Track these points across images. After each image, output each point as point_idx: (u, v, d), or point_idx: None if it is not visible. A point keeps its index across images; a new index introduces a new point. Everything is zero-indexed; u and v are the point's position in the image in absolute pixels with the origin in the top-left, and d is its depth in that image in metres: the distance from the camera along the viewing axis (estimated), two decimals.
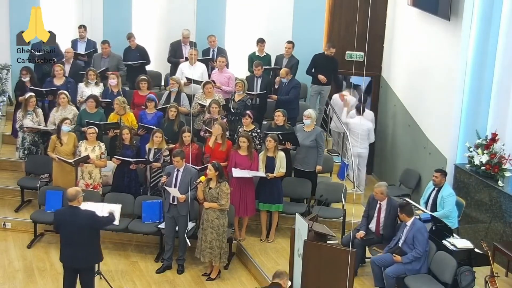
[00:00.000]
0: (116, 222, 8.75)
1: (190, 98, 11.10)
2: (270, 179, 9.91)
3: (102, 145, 10.22)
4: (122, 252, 10.08)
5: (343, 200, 10.11)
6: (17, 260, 9.75)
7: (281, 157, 10.00)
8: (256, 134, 10.45)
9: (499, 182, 9.85)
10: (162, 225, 9.70)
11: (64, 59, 12.16)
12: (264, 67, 11.91)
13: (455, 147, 10.60)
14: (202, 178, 9.17)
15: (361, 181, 12.20)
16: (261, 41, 12.68)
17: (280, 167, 9.97)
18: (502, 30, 10.12)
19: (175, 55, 13.03)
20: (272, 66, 12.70)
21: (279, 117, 10.48)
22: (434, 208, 9.49)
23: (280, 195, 10.15)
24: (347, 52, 13.71)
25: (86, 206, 8.23)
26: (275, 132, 10.16)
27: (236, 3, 13.92)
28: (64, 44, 12.56)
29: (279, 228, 10.49)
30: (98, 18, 13.47)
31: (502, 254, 9.37)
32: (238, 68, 12.92)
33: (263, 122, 11.71)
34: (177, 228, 9.46)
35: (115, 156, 10.06)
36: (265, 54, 12.73)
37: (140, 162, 10.06)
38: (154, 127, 10.35)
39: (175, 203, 9.33)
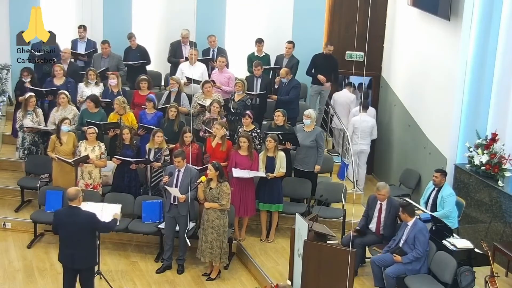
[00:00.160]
0: (116, 223, 8.75)
1: (190, 98, 11.11)
2: (270, 179, 9.91)
3: (102, 145, 10.22)
4: (122, 252, 10.08)
5: (343, 200, 10.11)
6: (17, 260, 9.75)
7: (281, 157, 10.00)
8: (256, 134, 10.45)
9: (499, 182, 9.85)
10: (162, 225, 9.70)
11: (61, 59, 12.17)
12: (263, 67, 11.91)
13: (455, 147, 10.60)
14: (203, 178, 9.17)
15: (360, 179, 12.18)
16: (259, 41, 12.68)
17: (280, 167, 9.97)
18: (502, 30, 10.11)
19: (175, 55, 13.03)
20: (272, 66, 12.70)
21: (279, 117, 10.48)
22: (434, 208, 9.49)
23: (280, 195, 10.15)
24: (347, 52, 13.71)
25: (86, 206, 8.21)
26: (275, 132, 10.17)
27: (236, 3, 13.92)
28: (64, 44, 12.55)
29: (279, 228, 10.50)
30: (98, 18, 13.46)
31: (502, 254, 9.37)
32: (238, 68, 12.92)
33: (263, 122, 11.71)
34: (177, 228, 9.46)
35: (115, 156, 10.06)
36: (264, 54, 12.73)
37: (140, 162, 10.06)
38: (154, 127, 10.35)
39: (176, 203, 9.33)
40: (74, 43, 12.87)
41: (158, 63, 13.55)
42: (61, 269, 8.14)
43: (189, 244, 9.36)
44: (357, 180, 11.85)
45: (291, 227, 8.87)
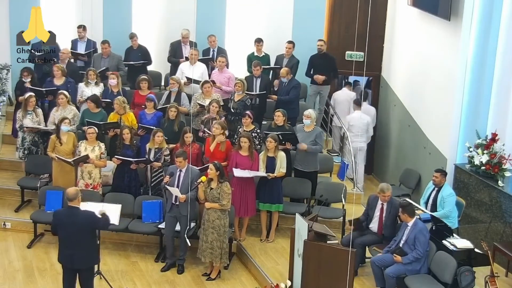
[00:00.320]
0: (116, 222, 8.77)
1: (190, 98, 11.11)
2: (270, 179, 9.91)
3: (102, 145, 10.22)
4: (122, 252, 10.08)
5: (343, 200, 10.10)
6: (17, 260, 9.75)
7: (281, 157, 9.99)
8: (256, 134, 10.45)
9: (499, 182, 9.85)
10: (162, 225, 9.70)
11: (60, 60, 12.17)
12: (263, 67, 11.91)
13: (455, 147, 10.60)
14: (203, 178, 9.17)
15: (359, 177, 12.17)
16: (258, 41, 12.68)
17: (281, 167, 9.97)
18: (502, 30, 10.11)
19: (175, 55, 13.03)
20: (272, 66, 12.70)
21: (279, 117, 10.47)
22: (434, 208, 9.49)
23: (280, 195, 10.15)
24: (347, 52, 13.71)
25: (86, 206, 8.22)
26: (276, 132, 10.16)
27: (236, 3, 13.92)
28: (64, 44, 12.55)
29: (279, 228, 10.49)
30: (98, 18, 13.47)
31: (502, 254, 9.37)
32: (238, 68, 12.92)
33: (263, 122, 11.71)
34: (177, 228, 9.46)
35: (116, 156, 10.06)
36: (264, 54, 12.73)
37: (140, 162, 10.07)
38: (154, 127, 10.34)
39: (177, 203, 9.33)
40: (74, 43, 12.88)
41: (158, 63, 13.55)
42: (61, 269, 8.13)
43: (189, 244, 9.35)
44: (354, 178, 11.85)
45: (291, 227, 8.87)
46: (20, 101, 11.22)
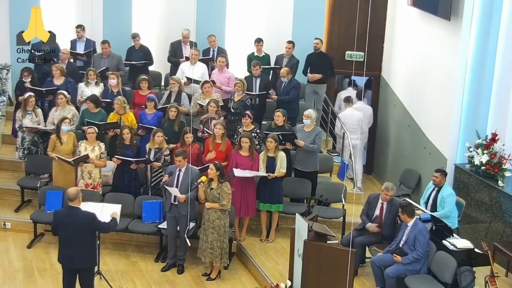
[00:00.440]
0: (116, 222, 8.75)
1: (191, 98, 11.11)
2: (270, 179, 9.91)
3: (102, 145, 10.22)
4: (122, 252, 10.08)
5: (343, 200, 10.11)
6: (17, 260, 9.75)
7: (281, 157, 9.99)
8: (255, 134, 10.45)
9: (499, 182, 9.85)
10: (162, 225, 9.70)
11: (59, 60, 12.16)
12: (263, 67, 11.90)
13: (455, 147, 10.60)
14: (203, 178, 9.17)
15: (358, 175, 12.15)
16: (258, 41, 12.67)
17: (281, 167, 9.97)
18: (502, 30, 10.11)
19: (175, 55, 13.03)
20: (272, 66, 12.69)
21: (279, 117, 10.47)
22: (434, 208, 9.49)
23: (280, 195, 10.15)
24: (347, 52, 13.71)
25: (86, 206, 8.21)
26: (276, 133, 10.16)
27: (236, 3, 13.92)
28: (64, 44, 12.55)
29: (279, 228, 10.49)
30: (98, 18, 13.46)
31: (502, 254, 9.37)
32: (238, 68, 12.92)
33: (262, 122, 11.71)
34: (178, 228, 9.46)
35: (116, 156, 10.06)
36: (264, 54, 12.72)
37: (140, 161, 10.07)
38: (154, 127, 10.34)
39: (176, 203, 9.33)
40: (73, 43, 12.87)
41: (158, 63, 13.53)
42: (61, 269, 8.13)
43: (189, 244, 9.36)
44: (355, 177, 11.84)
45: (291, 227, 8.87)
46: (20, 101, 11.22)
